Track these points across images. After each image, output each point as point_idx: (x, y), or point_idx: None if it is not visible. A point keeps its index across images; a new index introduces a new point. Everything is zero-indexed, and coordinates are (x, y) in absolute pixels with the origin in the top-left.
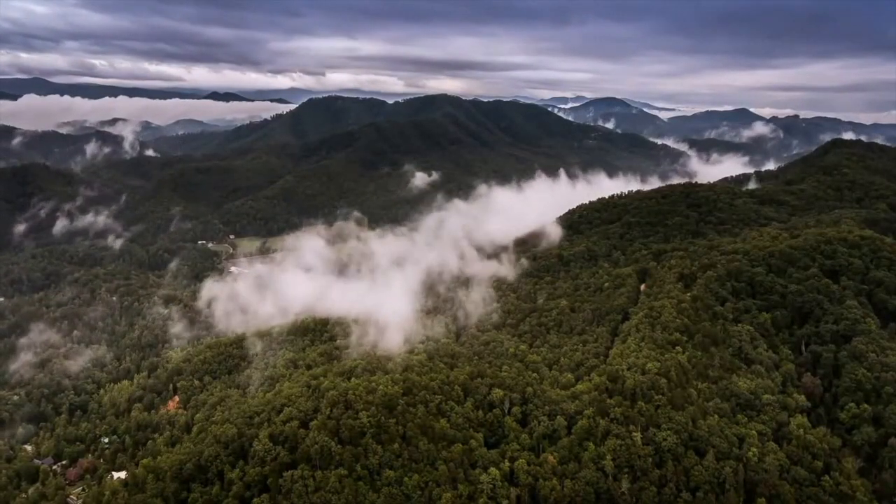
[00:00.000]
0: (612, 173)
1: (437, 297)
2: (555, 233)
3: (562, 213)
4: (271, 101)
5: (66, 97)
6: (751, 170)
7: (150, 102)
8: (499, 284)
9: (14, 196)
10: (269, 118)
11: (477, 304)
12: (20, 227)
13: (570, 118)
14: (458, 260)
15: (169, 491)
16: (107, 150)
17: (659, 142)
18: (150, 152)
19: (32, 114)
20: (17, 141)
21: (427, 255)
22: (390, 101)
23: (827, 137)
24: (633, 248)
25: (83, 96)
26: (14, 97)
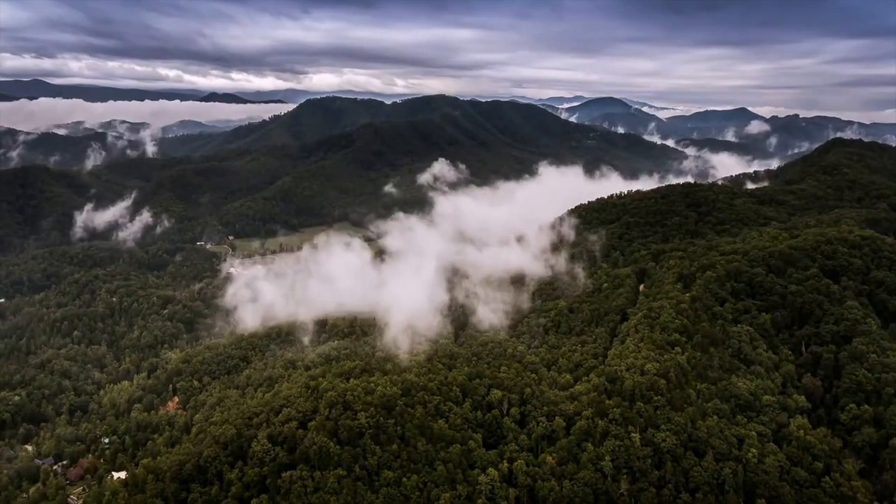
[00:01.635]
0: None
1: (440, 297)
2: (553, 232)
3: (560, 212)
4: (269, 102)
5: (81, 100)
6: (751, 169)
7: (156, 105)
8: (498, 285)
9: (14, 198)
10: (267, 119)
11: (476, 304)
12: (20, 229)
13: (572, 118)
14: (458, 260)
15: (169, 491)
16: (107, 151)
17: (658, 142)
18: (151, 151)
19: (48, 115)
20: (17, 143)
21: (428, 255)
22: (388, 101)
23: (827, 136)
24: (631, 249)
25: (84, 98)
26: (16, 99)
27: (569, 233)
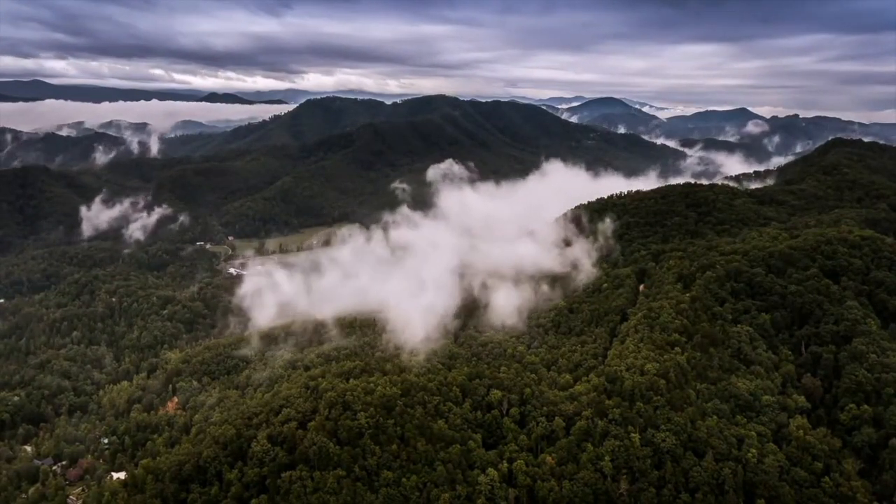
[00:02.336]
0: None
1: (441, 296)
2: (554, 231)
3: (559, 212)
4: (270, 102)
5: (86, 102)
6: (751, 169)
7: (157, 105)
8: (499, 283)
9: (14, 198)
10: (267, 119)
11: (477, 303)
12: (20, 229)
13: (572, 119)
14: (458, 259)
15: (168, 491)
16: (111, 152)
17: (658, 142)
18: (155, 150)
19: (54, 116)
20: (15, 143)
21: (429, 253)
22: (388, 101)
23: (828, 136)
24: (631, 249)
25: (84, 98)
26: (17, 99)
27: (571, 232)
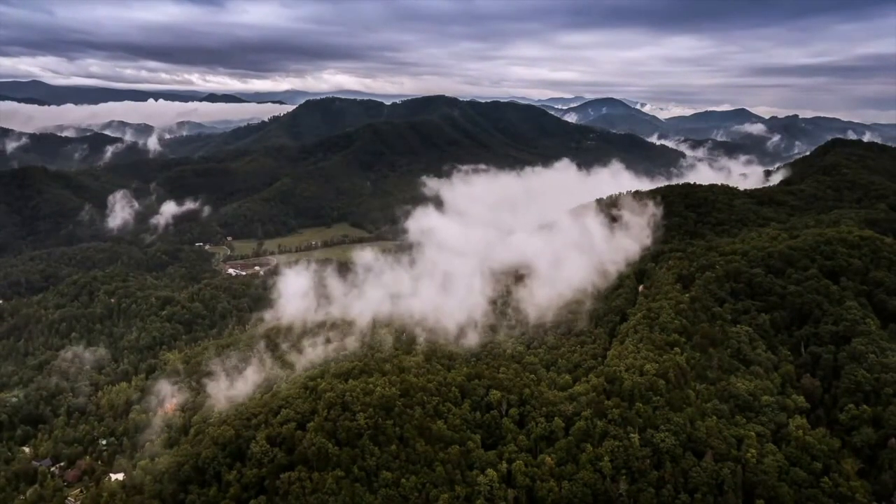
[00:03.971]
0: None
1: (444, 297)
2: (557, 231)
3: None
4: (270, 102)
5: (102, 105)
6: (749, 170)
7: (157, 105)
8: (498, 284)
9: (13, 198)
10: (266, 120)
11: (477, 303)
12: (18, 230)
13: (572, 119)
14: (459, 259)
15: (167, 492)
16: (108, 152)
17: (658, 142)
18: (156, 151)
19: (61, 118)
20: (14, 144)
21: (455, 253)
22: (388, 102)
23: (827, 137)
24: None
25: (82, 98)
26: (15, 99)
27: (575, 231)
